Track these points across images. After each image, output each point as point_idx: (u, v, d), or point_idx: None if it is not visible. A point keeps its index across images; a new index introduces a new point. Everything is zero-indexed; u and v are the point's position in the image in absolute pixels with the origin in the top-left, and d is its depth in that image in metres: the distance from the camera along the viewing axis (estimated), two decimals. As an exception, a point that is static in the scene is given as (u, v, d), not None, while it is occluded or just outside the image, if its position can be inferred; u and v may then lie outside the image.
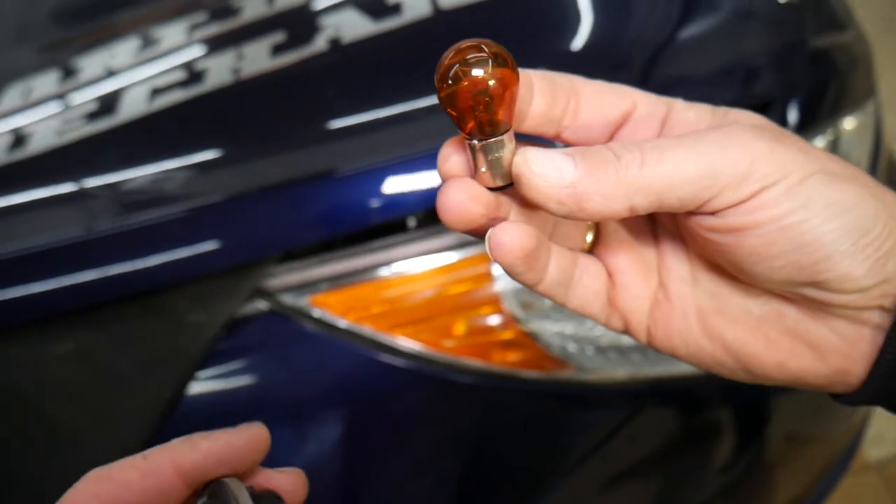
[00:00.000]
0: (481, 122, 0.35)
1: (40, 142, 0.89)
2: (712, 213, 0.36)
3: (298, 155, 0.81)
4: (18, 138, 0.90)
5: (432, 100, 0.80)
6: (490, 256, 0.38)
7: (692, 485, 0.99)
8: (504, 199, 0.40)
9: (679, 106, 0.41)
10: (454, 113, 0.35)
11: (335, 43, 0.89)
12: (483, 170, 0.37)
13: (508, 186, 0.38)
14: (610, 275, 0.44)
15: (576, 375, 0.81)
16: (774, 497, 1.08)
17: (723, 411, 0.97)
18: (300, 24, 0.93)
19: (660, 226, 0.44)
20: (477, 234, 0.40)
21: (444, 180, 0.38)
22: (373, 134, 0.81)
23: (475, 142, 0.36)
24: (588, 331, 0.83)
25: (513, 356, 0.80)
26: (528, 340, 0.80)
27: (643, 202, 0.36)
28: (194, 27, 0.98)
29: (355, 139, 0.81)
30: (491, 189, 0.38)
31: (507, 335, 0.79)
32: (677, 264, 0.43)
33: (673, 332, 0.42)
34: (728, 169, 0.35)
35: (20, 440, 0.80)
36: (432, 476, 0.83)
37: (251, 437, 0.38)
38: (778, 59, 0.88)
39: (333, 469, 0.81)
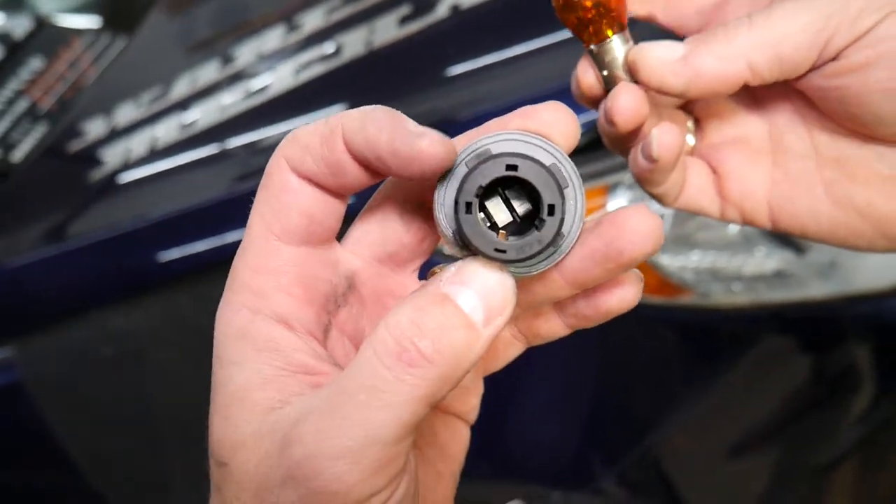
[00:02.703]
0: (595, 27, 0.40)
1: (207, 118, 1.03)
2: (834, 59, 0.36)
3: (421, 106, 0.90)
4: (189, 119, 1.05)
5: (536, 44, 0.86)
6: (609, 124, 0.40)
7: (823, 438, 0.97)
8: None
9: None
10: (573, 19, 0.40)
11: (455, 8, 0.97)
12: (605, 73, 0.41)
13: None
14: (714, 169, 0.45)
15: (696, 301, 0.84)
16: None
17: (858, 350, 0.95)
18: (424, -4, 1.01)
19: (773, 107, 0.43)
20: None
21: (579, 93, 0.42)
22: (487, 84, 0.88)
23: (593, 47, 0.41)
24: (706, 260, 0.86)
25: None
26: (648, 268, 0.84)
27: (761, 59, 0.37)
28: (331, 10, 1.09)
29: (471, 90, 0.88)
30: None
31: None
32: (796, 140, 0.42)
33: (800, 209, 0.42)
34: (840, 9, 0.36)
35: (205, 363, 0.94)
36: (553, 398, 0.88)
37: (421, 147, 0.30)
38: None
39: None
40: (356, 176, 0.32)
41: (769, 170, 0.43)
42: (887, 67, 0.36)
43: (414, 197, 0.36)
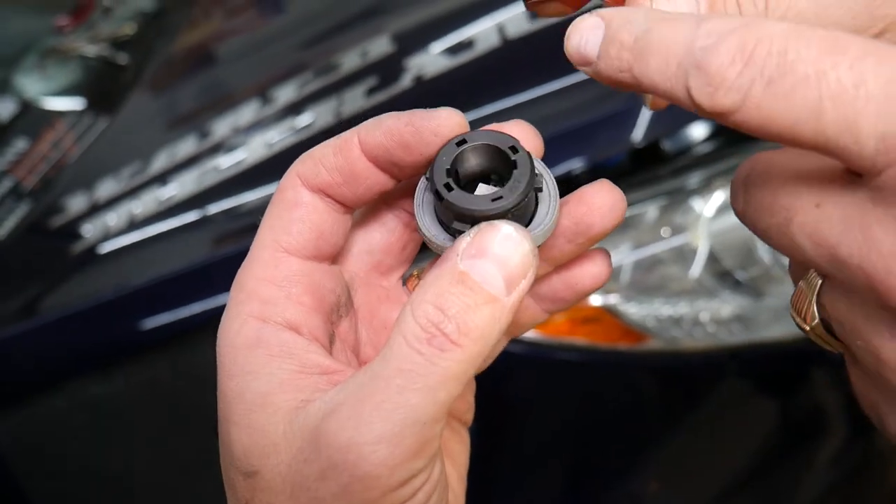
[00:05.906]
0: None
1: (185, 189, 1.07)
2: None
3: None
4: (167, 190, 1.09)
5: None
6: None
7: (799, 481, 0.99)
8: None
9: None
10: None
11: (419, 79, 1.02)
12: None
13: None
14: None
15: (656, 346, 0.87)
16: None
17: (828, 395, 0.98)
18: (389, 69, 1.07)
19: None
20: None
21: None
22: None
23: None
24: (666, 308, 0.89)
25: (595, 331, 0.87)
26: (608, 316, 0.87)
27: None
28: (303, 84, 1.15)
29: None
30: None
31: (587, 312, 0.87)
32: None
33: None
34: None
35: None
36: (530, 447, 0.90)
37: (441, 119, 0.33)
38: None
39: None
40: (369, 182, 0.34)
41: None
42: None
43: (395, 204, 0.38)
